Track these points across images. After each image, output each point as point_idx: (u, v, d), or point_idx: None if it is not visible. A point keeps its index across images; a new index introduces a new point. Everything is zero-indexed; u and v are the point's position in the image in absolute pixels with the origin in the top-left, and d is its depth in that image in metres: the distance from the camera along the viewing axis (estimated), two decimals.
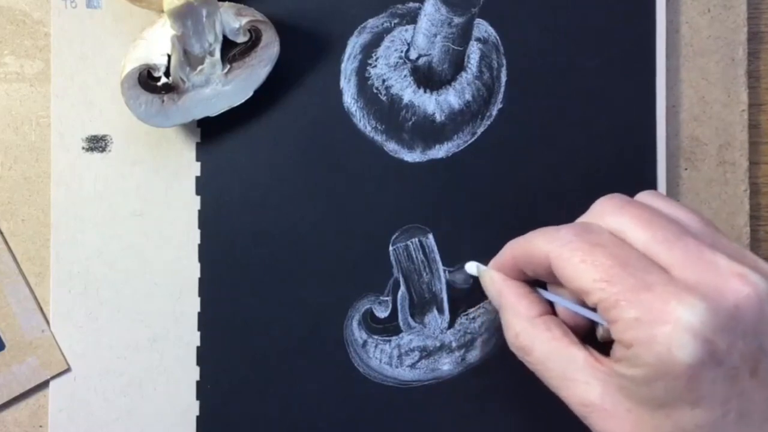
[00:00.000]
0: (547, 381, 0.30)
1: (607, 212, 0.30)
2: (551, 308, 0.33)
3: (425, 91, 0.39)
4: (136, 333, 0.38)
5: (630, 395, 0.27)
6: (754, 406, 0.26)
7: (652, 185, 0.39)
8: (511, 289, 0.33)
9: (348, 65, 0.39)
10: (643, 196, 0.31)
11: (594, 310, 0.28)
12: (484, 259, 0.39)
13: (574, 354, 0.29)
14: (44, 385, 0.38)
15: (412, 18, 0.39)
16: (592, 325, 0.32)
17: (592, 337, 0.31)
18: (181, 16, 0.34)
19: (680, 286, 0.26)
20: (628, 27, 0.39)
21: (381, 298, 0.39)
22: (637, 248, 0.28)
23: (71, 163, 0.38)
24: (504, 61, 0.39)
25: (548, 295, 0.32)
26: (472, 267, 0.37)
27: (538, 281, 0.33)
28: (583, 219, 0.31)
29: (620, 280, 0.27)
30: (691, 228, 0.29)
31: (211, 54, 0.35)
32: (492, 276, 0.34)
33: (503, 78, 0.39)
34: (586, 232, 0.29)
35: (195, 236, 0.38)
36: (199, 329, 0.38)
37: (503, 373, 0.39)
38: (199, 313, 0.38)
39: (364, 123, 0.39)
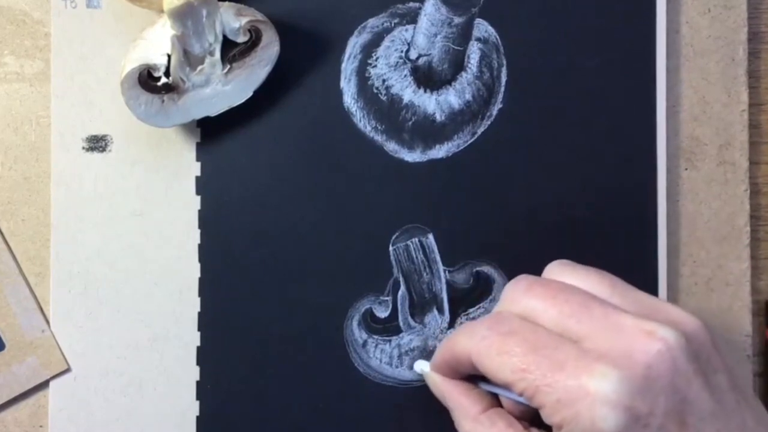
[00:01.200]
0: None
1: (517, 297, 0.30)
2: (497, 400, 0.33)
3: (425, 91, 0.39)
4: (136, 333, 0.38)
5: None
6: None
7: (652, 185, 0.39)
8: (452, 390, 0.33)
9: (348, 65, 0.39)
10: (551, 270, 0.32)
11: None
12: (485, 260, 0.39)
13: None
14: (44, 385, 0.38)
15: (412, 18, 0.39)
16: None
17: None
18: (181, 16, 0.34)
19: (591, 357, 0.27)
20: (628, 27, 0.39)
21: (381, 298, 0.39)
22: (549, 327, 0.29)
23: (71, 163, 0.38)
24: (504, 61, 0.39)
25: (488, 387, 0.33)
26: (418, 366, 0.37)
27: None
28: (496, 308, 0.32)
29: (535, 366, 0.27)
30: (599, 293, 0.29)
31: (211, 54, 0.35)
32: (434, 378, 0.34)
33: (503, 78, 0.39)
34: (497, 324, 0.30)
35: (195, 236, 0.38)
36: (199, 329, 0.38)
37: None
38: (199, 313, 0.38)
39: (364, 123, 0.39)
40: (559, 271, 0.31)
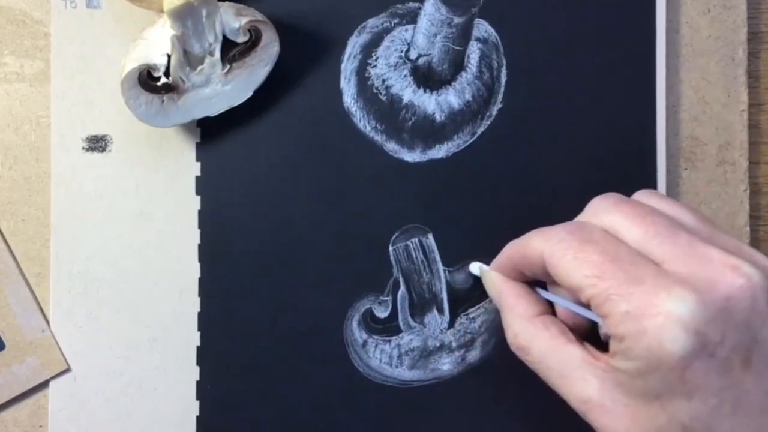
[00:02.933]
0: (547, 379, 0.30)
1: (601, 211, 0.30)
2: (551, 308, 0.33)
3: (425, 91, 0.39)
4: (136, 333, 0.38)
5: (626, 390, 0.27)
6: (748, 397, 0.26)
7: (652, 185, 0.39)
8: (510, 290, 0.33)
9: (348, 65, 0.39)
10: (640, 195, 0.31)
11: (588, 306, 0.28)
12: (485, 258, 0.39)
13: (572, 352, 0.30)
14: (44, 385, 0.38)
15: (412, 18, 0.39)
16: (593, 324, 0.32)
17: (595, 337, 0.31)
18: (181, 16, 0.34)
19: (671, 278, 0.26)
20: (628, 27, 0.39)
21: (381, 298, 0.39)
22: (630, 245, 0.28)
23: (71, 163, 0.38)
24: (504, 61, 0.39)
25: (547, 294, 0.33)
26: (475, 267, 0.37)
27: (539, 281, 0.33)
28: (578, 218, 0.31)
29: (611, 275, 0.27)
30: (686, 223, 0.29)
31: (211, 54, 0.35)
32: (492, 277, 0.34)
33: (503, 78, 0.39)
34: (578, 230, 0.29)
35: (195, 236, 0.38)
36: (199, 329, 0.38)
37: (503, 373, 0.39)
38: (199, 313, 0.38)
39: (364, 123, 0.39)
40: (647, 197, 0.31)
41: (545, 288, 0.33)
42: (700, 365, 0.26)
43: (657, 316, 0.26)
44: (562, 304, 0.32)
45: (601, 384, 0.28)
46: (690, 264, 0.27)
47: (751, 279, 0.26)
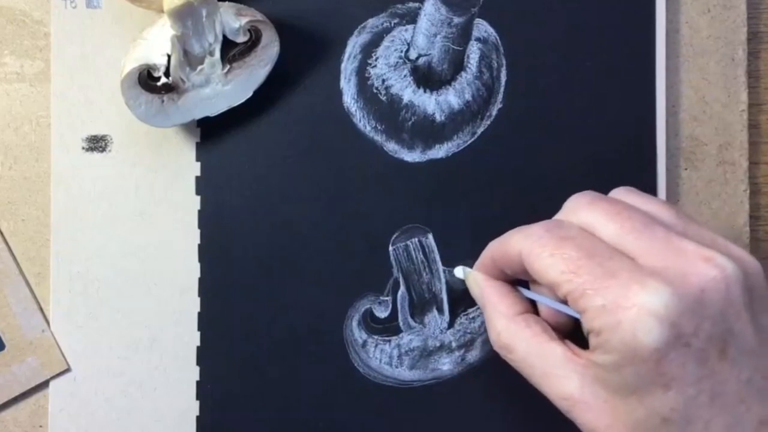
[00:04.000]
0: (530, 378, 0.31)
1: (578, 208, 0.30)
2: (533, 307, 0.33)
3: (425, 91, 0.39)
4: (136, 333, 0.38)
5: (605, 385, 0.28)
6: (726, 387, 0.26)
7: (652, 185, 0.39)
8: (492, 289, 0.33)
9: (348, 65, 0.39)
10: (617, 192, 0.32)
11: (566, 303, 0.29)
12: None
13: (553, 349, 0.30)
14: (44, 385, 0.38)
15: (412, 18, 0.39)
16: (576, 322, 0.32)
17: (578, 335, 0.31)
18: (181, 16, 0.34)
19: (645, 272, 0.27)
20: (628, 27, 0.39)
21: (381, 298, 0.39)
22: (606, 240, 0.29)
23: (71, 163, 0.38)
24: (504, 61, 0.39)
25: (528, 293, 0.33)
26: (459, 270, 0.37)
27: (521, 281, 0.33)
28: (557, 217, 0.32)
29: (587, 270, 0.27)
30: (662, 219, 0.29)
31: (211, 54, 0.35)
32: (475, 277, 0.34)
33: (503, 78, 0.39)
34: (555, 228, 0.30)
35: (195, 236, 0.38)
36: (199, 329, 0.38)
37: (503, 373, 0.39)
38: (199, 313, 0.38)
39: (364, 123, 0.39)
40: (624, 194, 0.31)
41: (527, 287, 0.33)
42: (675, 356, 0.26)
43: (631, 309, 0.26)
44: (543, 301, 0.32)
45: (581, 380, 0.28)
46: (665, 257, 0.27)
47: (725, 270, 0.27)
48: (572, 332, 0.32)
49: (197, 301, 0.38)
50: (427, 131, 0.39)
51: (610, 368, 0.27)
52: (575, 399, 0.28)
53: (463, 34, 0.39)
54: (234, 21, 0.35)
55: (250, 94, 0.37)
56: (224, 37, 0.35)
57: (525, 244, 0.30)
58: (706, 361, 0.26)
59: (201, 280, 0.38)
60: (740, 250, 0.28)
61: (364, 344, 0.38)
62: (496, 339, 0.32)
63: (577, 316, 0.29)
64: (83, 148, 0.38)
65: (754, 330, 0.27)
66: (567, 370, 0.29)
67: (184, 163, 0.38)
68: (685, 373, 0.26)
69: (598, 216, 0.29)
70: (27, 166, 0.38)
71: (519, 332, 0.31)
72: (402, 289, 0.39)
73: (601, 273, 0.27)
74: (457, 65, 0.39)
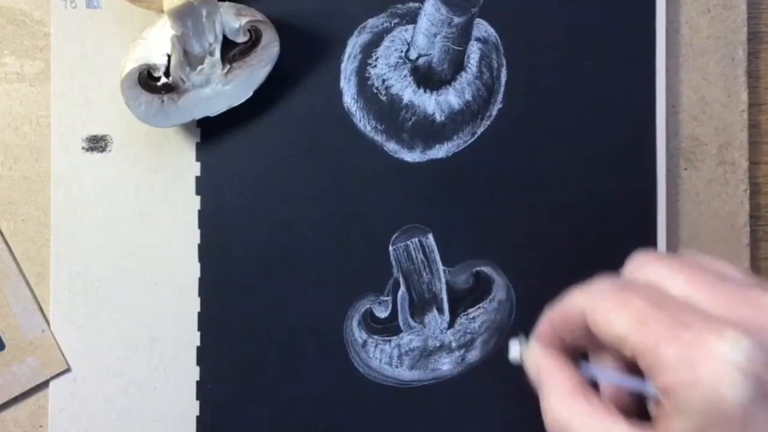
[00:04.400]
0: None
1: (644, 264, 0.29)
2: (593, 384, 0.30)
3: (425, 91, 0.39)
4: (136, 333, 0.38)
5: None
6: None
7: (652, 185, 0.39)
8: (550, 361, 0.30)
9: (348, 65, 0.39)
10: (683, 254, 0.30)
11: (636, 369, 0.27)
12: (485, 259, 0.39)
13: (617, 426, 0.27)
14: (44, 385, 0.38)
15: (412, 18, 0.39)
16: (640, 402, 0.30)
17: (642, 415, 0.30)
18: (181, 16, 0.34)
19: (720, 322, 0.25)
20: (628, 27, 0.39)
21: (381, 298, 0.39)
22: (675, 295, 0.27)
23: (71, 163, 0.38)
24: (504, 61, 0.39)
25: (591, 368, 0.30)
26: (514, 348, 0.32)
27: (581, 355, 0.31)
28: (622, 272, 0.30)
29: (656, 320, 0.25)
30: (731, 275, 0.28)
31: (211, 54, 0.35)
32: (532, 351, 0.31)
33: (503, 78, 0.39)
34: (620, 282, 0.28)
35: (195, 236, 0.38)
36: (199, 329, 0.38)
37: (503, 373, 0.39)
38: (199, 313, 0.38)
39: (364, 123, 0.39)
40: (689, 254, 0.30)
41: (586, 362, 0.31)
42: (761, 413, 0.24)
43: (711, 362, 0.24)
44: (607, 377, 0.30)
45: None
46: (739, 310, 0.25)
47: None
48: (634, 412, 0.30)
49: (197, 301, 0.38)
50: (427, 131, 0.39)
51: None
52: None
53: (463, 34, 0.39)
54: (234, 21, 0.35)
55: (250, 94, 0.37)
56: (224, 37, 0.35)
57: (588, 300, 0.28)
58: None
59: (201, 280, 0.38)
60: None
61: (364, 344, 0.38)
62: (552, 417, 0.29)
63: (644, 388, 0.27)
64: (83, 148, 0.38)
65: None
66: None
67: (184, 163, 0.38)
68: None
69: (665, 271, 0.28)
70: (27, 166, 0.38)
71: (578, 408, 0.28)
72: (402, 289, 0.39)
73: (672, 324, 0.25)
74: (457, 65, 0.39)
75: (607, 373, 0.30)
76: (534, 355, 0.31)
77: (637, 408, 0.30)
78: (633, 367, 0.28)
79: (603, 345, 0.28)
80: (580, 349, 0.31)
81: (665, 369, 0.25)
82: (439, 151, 0.39)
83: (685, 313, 0.25)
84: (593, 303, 0.28)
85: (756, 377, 0.24)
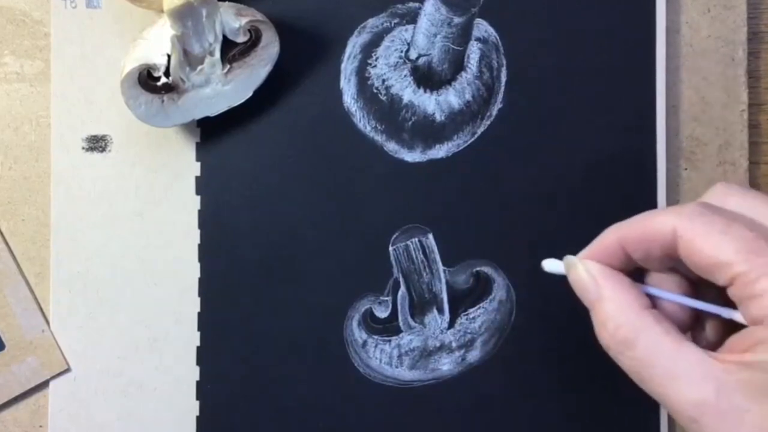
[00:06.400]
0: (646, 379, 0.27)
1: (730, 194, 0.28)
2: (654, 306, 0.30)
3: (425, 91, 0.39)
4: (136, 333, 0.38)
5: (755, 390, 0.25)
6: None
7: (652, 185, 0.39)
8: (613, 279, 0.29)
9: (348, 65, 0.39)
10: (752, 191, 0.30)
11: (722, 291, 0.27)
12: (485, 259, 0.39)
13: (686, 350, 0.27)
14: (44, 385, 0.38)
15: (412, 18, 0.39)
16: (690, 330, 0.30)
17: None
18: (181, 16, 0.34)
19: None
20: (628, 27, 0.39)
21: (381, 298, 0.39)
22: None
23: (71, 163, 0.38)
24: (504, 61, 0.39)
25: (654, 290, 0.29)
26: (553, 263, 0.31)
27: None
28: (702, 200, 0.29)
29: (764, 251, 0.25)
30: None
31: (211, 54, 0.35)
32: (587, 266, 0.30)
33: (503, 78, 0.39)
34: (713, 207, 0.27)
35: (195, 236, 0.38)
36: (199, 329, 0.38)
37: (503, 373, 0.39)
38: (199, 313, 0.38)
39: (364, 123, 0.39)
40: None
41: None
42: None
43: None
44: (675, 299, 0.29)
45: (719, 386, 0.26)
46: None
47: None
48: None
49: (197, 301, 0.38)
50: (428, 131, 0.39)
51: None
52: (709, 406, 0.25)
53: (463, 34, 0.39)
54: (234, 21, 0.35)
55: (250, 94, 0.37)
56: (224, 37, 0.35)
57: (681, 220, 0.27)
58: None
59: (201, 280, 0.38)
60: None
61: (364, 344, 0.38)
62: (613, 332, 0.28)
63: (724, 313, 0.27)
64: (83, 148, 0.38)
65: None
66: (702, 374, 0.26)
67: (184, 163, 0.38)
68: None
69: (756, 204, 0.27)
70: (27, 166, 0.38)
71: (646, 328, 0.27)
72: (402, 289, 0.39)
73: None
74: (457, 65, 0.39)
75: (674, 296, 0.29)
76: (591, 270, 0.30)
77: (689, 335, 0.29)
78: (698, 294, 0.28)
79: (672, 268, 0.28)
80: (634, 270, 0.30)
81: (765, 299, 0.25)
82: (439, 151, 0.39)
83: None
84: (690, 225, 0.27)
85: None
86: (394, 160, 0.39)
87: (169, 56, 0.34)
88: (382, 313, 0.39)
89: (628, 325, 0.28)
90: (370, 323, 0.39)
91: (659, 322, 0.28)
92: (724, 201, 0.28)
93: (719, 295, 0.28)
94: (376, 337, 0.39)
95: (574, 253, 0.31)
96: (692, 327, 0.30)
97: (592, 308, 0.29)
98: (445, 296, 0.39)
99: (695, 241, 0.27)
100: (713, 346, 0.28)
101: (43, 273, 0.38)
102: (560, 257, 0.32)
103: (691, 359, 0.26)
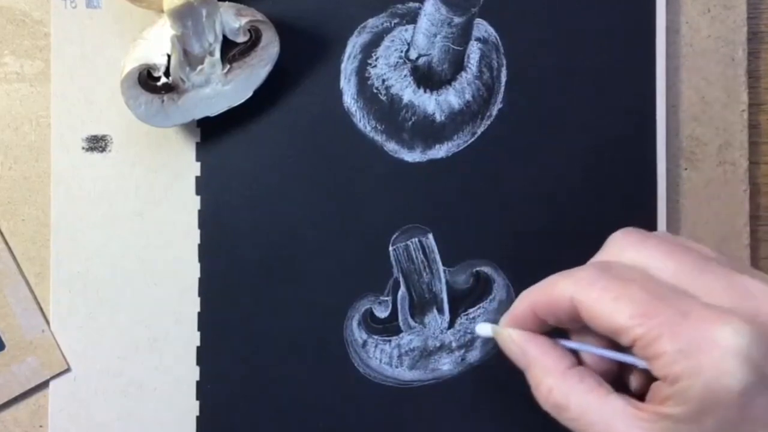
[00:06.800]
0: None
1: (626, 247, 0.29)
2: (578, 359, 0.31)
3: (425, 91, 0.39)
4: (136, 333, 0.38)
5: None
6: None
7: (652, 185, 0.39)
8: (535, 344, 0.30)
9: (348, 65, 0.39)
10: (655, 234, 0.30)
11: (628, 350, 0.27)
12: (485, 258, 0.39)
13: (614, 403, 0.27)
14: (44, 385, 0.38)
15: (412, 18, 0.39)
16: (619, 374, 0.30)
17: (620, 389, 0.30)
18: (181, 16, 0.34)
19: (718, 311, 0.25)
20: (628, 27, 0.39)
21: (381, 298, 0.39)
22: (665, 281, 0.27)
23: (71, 163, 0.38)
24: (504, 61, 0.39)
25: (573, 344, 0.30)
26: (484, 328, 0.33)
27: (556, 332, 0.31)
28: (599, 257, 0.30)
29: (658, 312, 0.26)
30: (711, 257, 0.28)
31: (211, 54, 0.35)
32: (510, 334, 0.31)
33: (503, 78, 0.39)
34: (610, 269, 0.28)
35: (195, 236, 0.38)
36: (199, 329, 0.38)
37: (503, 373, 0.39)
38: (199, 313, 0.38)
39: (364, 123, 0.39)
40: (663, 235, 0.30)
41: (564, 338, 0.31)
42: (760, 400, 0.24)
43: (713, 350, 0.24)
44: (593, 351, 0.30)
45: None
46: (731, 295, 0.26)
47: None
48: (616, 385, 0.30)
49: (197, 301, 0.38)
50: (427, 131, 0.39)
51: (687, 419, 0.25)
52: None
53: (463, 34, 0.39)
54: (234, 21, 0.35)
55: (250, 94, 0.37)
56: (224, 37, 0.35)
57: (577, 289, 0.28)
58: None
59: (201, 280, 0.38)
60: None
61: (364, 344, 0.38)
62: (547, 397, 0.29)
63: (639, 364, 0.28)
64: (83, 148, 0.38)
65: None
66: (630, 426, 0.27)
67: (184, 163, 0.38)
68: None
69: (651, 255, 0.28)
70: (27, 166, 0.38)
71: (573, 387, 0.28)
72: (402, 289, 0.39)
73: (673, 313, 0.25)
74: (457, 65, 0.39)
75: (592, 348, 0.30)
76: (515, 338, 0.31)
77: (615, 379, 0.30)
78: (614, 344, 0.28)
79: (588, 328, 0.28)
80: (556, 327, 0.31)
81: (669, 358, 0.25)
82: (439, 151, 0.39)
83: (683, 302, 0.26)
84: (586, 292, 0.27)
85: (755, 364, 0.24)
86: (394, 160, 0.39)
87: (169, 56, 0.34)
88: (382, 313, 0.39)
89: (557, 389, 0.29)
90: (370, 323, 0.39)
91: (583, 379, 0.29)
92: (621, 254, 0.29)
93: None
94: (376, 337, 0.39)
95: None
96: (620, 374, 0.30)
97: (525, 373, 0.31)
98: (445, 296, 0.39)
99: (593, 308, 0.27)
100: (644, 389, 0.28)
101: (43, 273, 0.38)
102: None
103: (619, 413, 0.27)
